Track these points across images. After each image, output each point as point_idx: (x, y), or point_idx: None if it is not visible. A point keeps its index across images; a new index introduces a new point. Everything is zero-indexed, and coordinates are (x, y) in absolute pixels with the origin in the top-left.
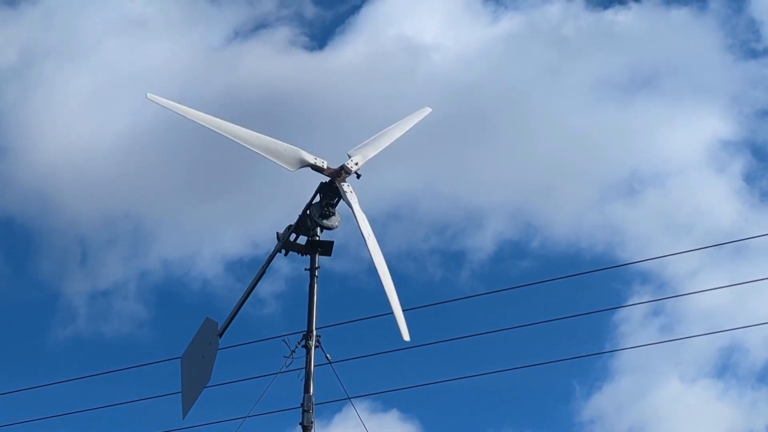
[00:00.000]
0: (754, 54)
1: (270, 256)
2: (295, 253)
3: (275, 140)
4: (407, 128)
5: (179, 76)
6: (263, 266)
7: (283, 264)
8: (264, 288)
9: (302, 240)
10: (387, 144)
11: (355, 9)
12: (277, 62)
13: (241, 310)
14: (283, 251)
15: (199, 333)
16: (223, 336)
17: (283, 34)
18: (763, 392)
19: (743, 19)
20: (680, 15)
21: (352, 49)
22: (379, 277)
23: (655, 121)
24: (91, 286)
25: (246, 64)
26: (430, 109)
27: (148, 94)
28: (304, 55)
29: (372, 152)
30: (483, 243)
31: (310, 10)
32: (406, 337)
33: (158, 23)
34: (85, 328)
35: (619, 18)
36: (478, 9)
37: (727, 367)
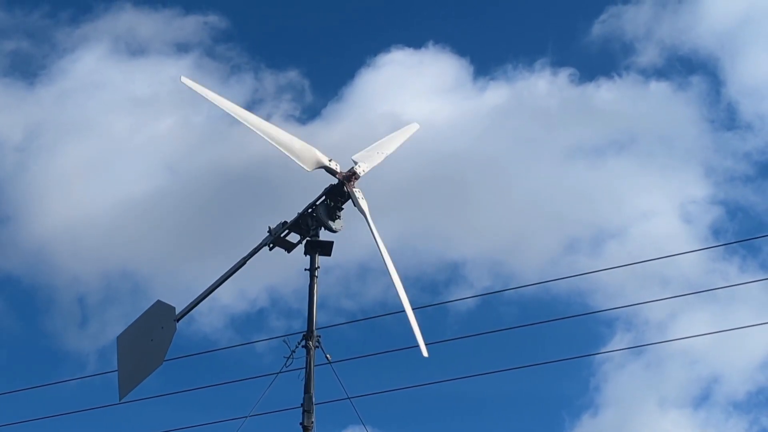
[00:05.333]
0: (729, 127)
1: (255, 248)
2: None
3: (292, 136)
4: (400, 142)
5: (172, 146)
6: (245, 257)
7: (280, 323)
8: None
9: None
10: (388, 153)
11: (348, 84)
12: None
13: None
14: (270, 245)
15: (146, 315)
16: (180, 321)
17: (279, 111)
18: (741, 419)
19: (723, 96)
20: (660, 89)
21: (341, 126)
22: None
23: (626, 181)
24: (94, 339)
25: (237, 135)
26: (418, 125)
27: (183, 78)
28: (295, 128)
29: (377, 160)
30: (465, 294)
31: (308, 96)
32: (425, 353)
33: (162, 102)
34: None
35: (601, 91)
36: (468, 83)
37: (706, 398)
